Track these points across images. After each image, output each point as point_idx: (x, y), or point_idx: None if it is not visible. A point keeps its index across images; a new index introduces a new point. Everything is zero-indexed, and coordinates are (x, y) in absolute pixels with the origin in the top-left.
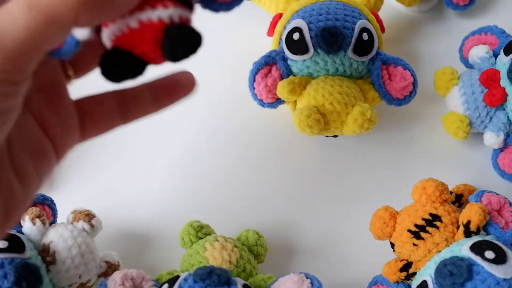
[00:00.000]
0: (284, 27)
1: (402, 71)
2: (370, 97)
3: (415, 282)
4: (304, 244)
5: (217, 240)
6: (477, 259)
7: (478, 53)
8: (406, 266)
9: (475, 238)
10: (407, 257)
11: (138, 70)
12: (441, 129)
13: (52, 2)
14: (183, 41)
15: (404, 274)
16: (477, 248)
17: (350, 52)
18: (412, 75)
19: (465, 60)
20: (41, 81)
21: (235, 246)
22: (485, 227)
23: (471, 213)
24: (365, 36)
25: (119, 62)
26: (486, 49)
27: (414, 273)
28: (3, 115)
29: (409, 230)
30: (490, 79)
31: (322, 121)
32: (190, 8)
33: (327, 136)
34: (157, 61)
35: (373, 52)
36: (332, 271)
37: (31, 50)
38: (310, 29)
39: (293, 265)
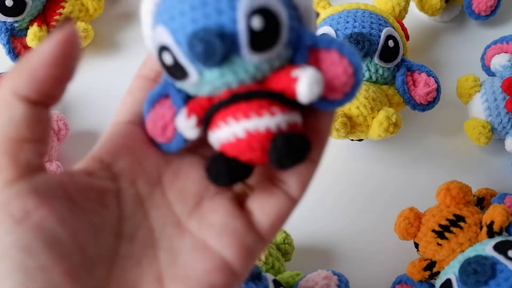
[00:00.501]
0: None
1: (426, 78)
2: (395, 102)
3: (439, 281)
4: (330, 244)
5: None
6: (500, 258)
7: (500, 61)
8: (430, 265)
9: (498, 238)
10: (431, 257)
11: (244, 174)
12: (463, 134)
13: None
14: (291, 152)
15: (428, 273)
16: (501, 248)
17: (376, 58)
18: (435, 81)
19: (486, 68)
20: None
21: None
22: (507, 228)
23: (494, 214)
24: (390, 43)
25: (226, 168)
26: (508, 57)
27: (438, 272)
28: None
29: (434, 230)
30: None
31: (349, 124)
32: (298, 108)
33: (352, 140)
34: (263, 164)
35: (398, 59)
36: (357, 270)
37: None
38: (337, 36)
39: (318, 264)
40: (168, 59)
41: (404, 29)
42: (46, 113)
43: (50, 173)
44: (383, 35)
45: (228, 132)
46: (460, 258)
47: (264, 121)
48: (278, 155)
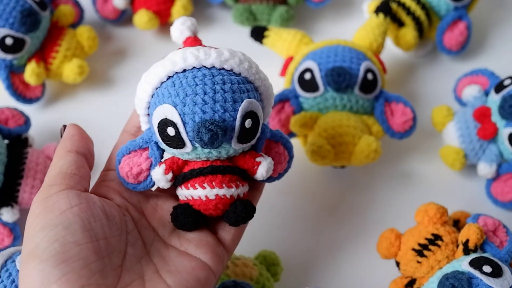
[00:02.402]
0: (296, 68)
1: (403, 108)
2: (374, 131)
3: None
4: (316, 264)
5: (238, 259)
6: (476, 273)
7: (472, 92)
8: (411, 283)
9: (473, 255)
10: (411, 274)
11: (203, 223)
12: (438, 160)
13: None
14: (244, 214)
15: None
16: (476, 263)
17: (356, 90)
18: (412, 111)
19: (458, 99)
20: None
21: (255, 265)
22: (482, 246)
23: (469, 232)
24: (369, 76)
25: (193, 219)
26: (479, 89)
27: None
28: None
29: (414, 249)
30: (482, 115)
31: (332, 152)
32: (248, 182)
33: (335, 167)
34: (215, 216)
35: (377, 91)
36: None
37: None
38: (320, 70)
39: (306, 283)
40: (171, 131)
41: (381, 63)
42: (84, 160)
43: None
44: (362, 69)
45: (202, 193)
46: (439, 274)
47: (231, 191)
48: (235, 215)
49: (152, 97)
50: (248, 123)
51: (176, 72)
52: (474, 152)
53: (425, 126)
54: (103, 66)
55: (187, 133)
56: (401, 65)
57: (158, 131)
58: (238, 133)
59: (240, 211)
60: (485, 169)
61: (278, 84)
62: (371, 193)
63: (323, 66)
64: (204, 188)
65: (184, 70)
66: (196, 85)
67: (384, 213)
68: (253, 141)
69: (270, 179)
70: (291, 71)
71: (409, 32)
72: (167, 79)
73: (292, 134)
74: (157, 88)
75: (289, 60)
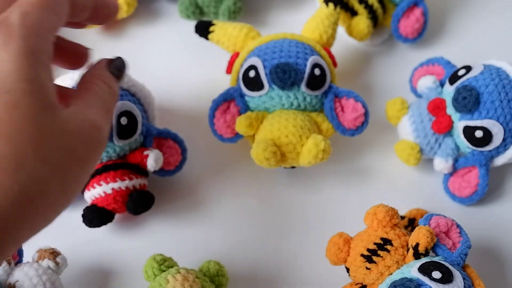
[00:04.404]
0: (241, 65)
1: (353, 103)
2: (324, 128)
3: None
4: (265, 272)
5: (179, 272)
6: (425, 279)
7: (426, 83)
8: None
9: (423, 260)
10: (361, 281)
11: (109, 219)
12: (394, 156)
13: None
14: (142, 202)
15: None
16: (425, 269)
17: (303, 87)
18: (363, 106)
19: (414, 90)
20: None
21: (197, 277)
22: (433, 249)
23: (419, 236)
24: (317, 71)
25: (97, 215)
26: (433, 79)
27: None
28: None
29: (362, 255)
30: (437, 107)
31: (279, 153)
32: (146, 176)
33: (285, 168)
34: (122, 212)
35: (326, 86)
36: None
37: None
38: (264, 67)
39: None
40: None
41: (331, 56)
42: None
43: None
44: (309, 64)
45: (100, 190)
46: (388, 281)
47: (125, 183)
48: (134, 204)
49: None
50: (123, 120)
51: None
52: (429, 147)
53: (380, 120)
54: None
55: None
56: (357, 55)
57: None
58: (116, 131)
59: (136, 199)
60: (441, 164)
61: (224, 83)
62: (324, 194)
63: (268, 62)
64: (101, 185)
65: None
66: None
67: (338, 215)
68: (135, 136)
69: (168, 172)
70: (237, 68)
71: (362, 21)
72: None
73: (238, 136)
74: None
75: (235, 56)
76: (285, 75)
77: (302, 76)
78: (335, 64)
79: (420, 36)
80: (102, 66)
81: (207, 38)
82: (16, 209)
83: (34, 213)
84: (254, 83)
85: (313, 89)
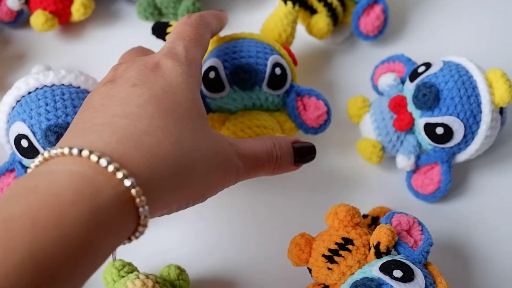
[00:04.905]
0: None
1: (315, 101)
2: (287, 128)
3: None
4: (227, 275)
5: (138, 278)
6: (386, 278)
7: (386, 80)
8: None
9: (385, 259)
10: (323, 281)
11: None
12: (356, 155)
13: None
14: None
15: None
16: (386, 268)
17: (264, 87)
18: (325, 104)
19: (376, 88)
20: None
21: (157, 282)
22: (395, 247)
23: (380, 234)
24: (277, 70)
25: None
26: (394, 77)
27: None
28: None
29: (324, 255)
30: (398, 105)
31: None
32: None
33: None
34: None
35: (287, 85)
36: None
37: None
38: (225, 67)
39: None
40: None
41: (291, 55)
42: None
43: None
44: (269, 64)
45: None
46: (350, 281)
47: None
48: None
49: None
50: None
51: (23, 96)
52: (391, 145)
53: (343, 119)
54: (2, 71)
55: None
56: (318, 53)
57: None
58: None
59: None
60: (404, 161)
61: None
62: (286, 194)
63: (228, 63)
64: None
65: (29, 92)
66: (38, 100)
67: (301, 215)
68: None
69: None
70: None
71: (321, 20)
72: (16, 104)
73: None
74: (9, 114)
75: None
76: (246, 75)
77: (263, 76)
78: (295, 62)
79: (381, 33)
80: (287, 141)
81: (164, 40)
82: (171, 174)
83: (181, 184)
84: (214, 85)
85: (274, 88)
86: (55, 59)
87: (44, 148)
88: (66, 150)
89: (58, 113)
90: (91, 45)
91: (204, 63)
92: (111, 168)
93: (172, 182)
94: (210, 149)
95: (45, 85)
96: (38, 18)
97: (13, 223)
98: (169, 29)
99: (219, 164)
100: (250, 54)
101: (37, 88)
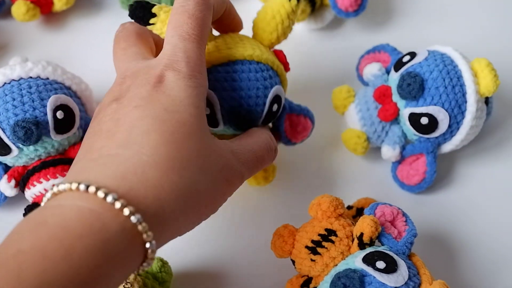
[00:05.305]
0: None
1: (303, 121)
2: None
3: None
4: (210, 267)
5: None
6: (369, 269)
7: (371, 70)
8: (307, 282)
9: (368, 250)
10: (307, 273)
11: None
12: (341, 146)
13: None
14: None
15: None
16: (369, 259)
17: (259, 124)
18: (312, 122)
19: (361, 78)
20: None
21: (138, 275)
22: (379, 238)
23: (363, 225)
24: (274, 107)
25: None
26: (379, 67)
27: None
28: None
29: (307, 246)
30: (383, 95)
31: None
32: None
33: None
34: None
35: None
36: None
37: None
38: (221, 106)
39: None
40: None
41: (284, 62)
42: None
43: None
44: (268, 101)
45: (41, 188)
46: (333, 272)
47: (57, 180)
48: None
49: None
50: (59, 114)
51: None
52: (376, 135)
53: (329, 109)
54: None
55: (8, 137)
56: (302, 43)
57: None
58: (53, 125)
59: None
60: (389, 152)
61: None
62: (270, 186)
63: (225, 102)
64: (41, 182)
65: None
66: (6, 95)
67: (285, 207)
68: (73, 130)
69: None
70: None
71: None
72: None
73: None
74: None
75: None
76: (244, 120)
77: (260, 116)
78: (287, 69)
79: (361, 7)
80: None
81: (147, 23)
82: (178, 203)
83: (190, 209)
84: (208, 120)
85: (267, 123)
86: (37, 49)
87: (15, 145)
88: (73, 186)
89: (25, 107)
90: (74, 35)
91: None
92: (118, 204)
93: (180, 211)
94: (214, 167)
95: (13, 79)
96: (19, 8)
97: (24, 256)
98: (154, 9)
99: (224, 178)
100: (249, 93)
101: (5, 83)
